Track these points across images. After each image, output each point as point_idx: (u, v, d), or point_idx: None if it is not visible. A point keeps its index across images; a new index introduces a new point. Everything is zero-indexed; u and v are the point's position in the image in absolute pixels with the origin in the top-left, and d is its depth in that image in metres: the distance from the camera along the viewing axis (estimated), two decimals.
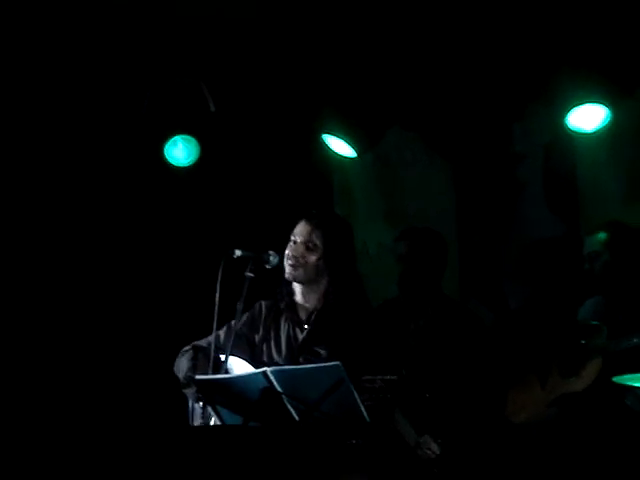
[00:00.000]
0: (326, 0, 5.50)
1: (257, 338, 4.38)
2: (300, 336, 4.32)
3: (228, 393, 3.93)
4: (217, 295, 4.10)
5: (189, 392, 4.16)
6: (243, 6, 5.51)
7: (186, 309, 5.94)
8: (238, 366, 4.20)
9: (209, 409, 4.00)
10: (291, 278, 4.31)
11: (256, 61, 6.05)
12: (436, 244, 5.25)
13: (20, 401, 5.89)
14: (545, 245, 6.03)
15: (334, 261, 4.30)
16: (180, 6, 5.53)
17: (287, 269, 4.29)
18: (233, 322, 4.28)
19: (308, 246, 4.29)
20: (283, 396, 3.78)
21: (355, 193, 6.64)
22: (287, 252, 4.30)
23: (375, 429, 3.88)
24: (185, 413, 4.27)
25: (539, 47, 5.59)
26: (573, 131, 5.61)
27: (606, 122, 5.51)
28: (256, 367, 4.10)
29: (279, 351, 4.33)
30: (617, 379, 4.26)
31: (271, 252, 4.29)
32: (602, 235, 5.08)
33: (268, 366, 3.98)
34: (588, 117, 5.52)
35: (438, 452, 4.40)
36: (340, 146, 6.07)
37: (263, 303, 4.47)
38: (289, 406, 3.81)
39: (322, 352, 4.20)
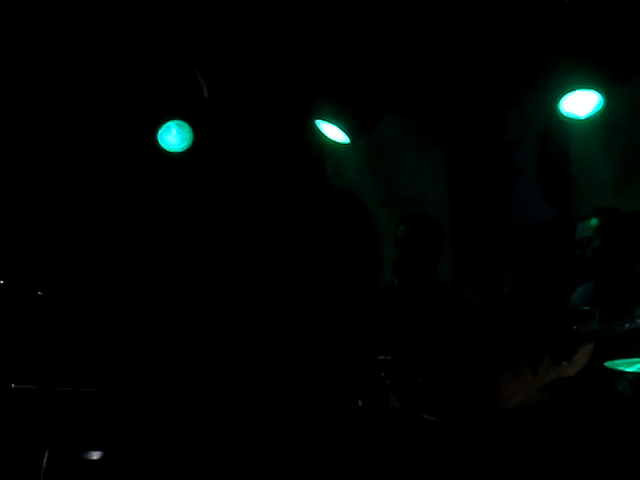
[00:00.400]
0: None
1: None
2: None
3: None
4: None
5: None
6: None
7: (179, 294, 5.94)
8: None
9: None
10: None
11: (249, 46, 6.04)
12: (434, 229, 5.32)
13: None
14: (537, 231, 6.04)
15: None
16: None
17: None
18: None
19: None
20: None
21: (348, 179, 6.63)
22: None
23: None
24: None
25: (533, 33, 5.59)
26: (566, 117, 5.61)
27: (599, 108, 5.51)
28: None
29: None
30: (609, 364, 4.29)
31: None
32: (594, 221, 5.09)
33: None
34: (581, 103, 5.52)
35: None
36: (333, 132, 6.06)
37: None
38: None
39: None
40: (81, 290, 6.33)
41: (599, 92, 5.44)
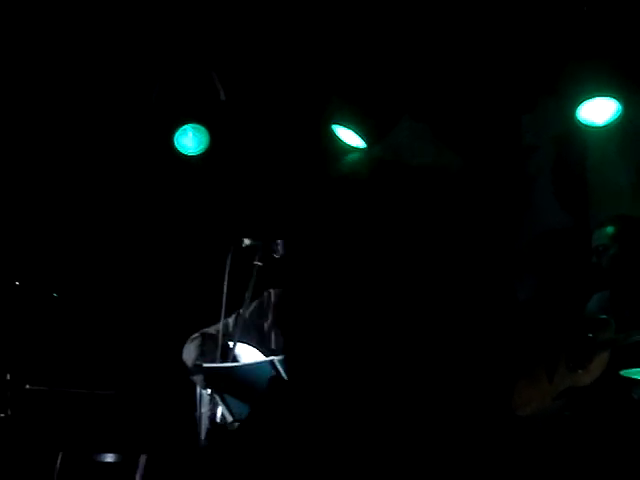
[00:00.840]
0: None
1: (266, 326, 4.39)
2: None
3: (236, 381, 3.94)
4: (225, 283, 4.12)
5: (197, 379, 4.17)
6: None
7: (195, 297, 5.94)
8: (247, 353, 4.21)
9: (216, 396, 4.01)
10: None
11: (266, 50, 6.05)
12: None
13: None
14: (553, 237, 6.02)
15: None
16: None
17: None
18: (241, 310, 4.30)
19: None
20: None
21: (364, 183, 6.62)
22: None
23: None
24: (193, 400, 4.28)
25: (551, 39, 5.58)
26: (584, 124, 5.59)
27: (617, 116, 5.50)
28: (265, 354, 4.12)
29: None
30: (625, 372, 4.27)
31: (279, 241, 4.30)
32: (610, 229, 5.08)
33: (277, 353, 3.99)
34: (599, 111, 5.50)
35: None
36: (349, 136, 6.06)
37: (272, 291, 4.48)
38: None
39: None
40: (96, 292, 6.34)
41: (617, 100, 5.43)
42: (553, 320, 5.10)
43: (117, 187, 6.40)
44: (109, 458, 5.33)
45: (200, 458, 4.07)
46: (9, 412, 5.30)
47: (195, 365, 4.16)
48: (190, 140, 6.26)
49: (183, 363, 4.34)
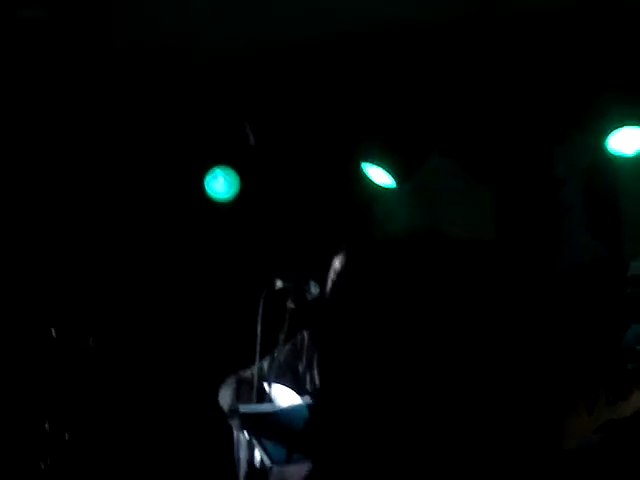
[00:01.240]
0: (360, 29, 5.52)
1: (301, 367, 4.38)
2: None
3: (272, 424, 3.93)
4: (259, 326, 4.12)
5: (234, 423, 4.17)
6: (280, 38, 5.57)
7: (230, 341, 5.95)
8: (283, 395, 4.20)
9: (254, 440, 4.00)
10: None
11: (294, 91, 6.09)
12: None
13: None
14: (587, 269, 5.98)
15: None
16: (218, 42, 5.59)
17: None
18: (276, 352, 4.30)
19: None
20: None
21: (395, 223, 6.61)
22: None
23: None
24: (230, 443, 4.28)
25: (578, 70, 5.58)
26: (613, 155, 5.57)
27: None
28: (301, 396, 4.11)
29: None
30: None
31: (312, 282, 4.30)
32: None
33: (313, 395, 3.98)
34: (628, 140, 5.49)
35: None
36: (380, 175, 6.07)
37: (305, 333, 4.48)
38: None
39: None
40: (133, 338, 6.37)
41: None
42: (592, 352, 5.06)
43: (151, 232, 6.45)
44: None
45: None
46: (48, 462, 5.32)
47: (231, 409, 4.16)
48: (221, 185, 6.30)
49: (220, 407, 4.34)
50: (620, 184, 5.94)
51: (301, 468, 3.93)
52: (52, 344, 5.70)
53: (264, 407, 4.05)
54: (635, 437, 4.65)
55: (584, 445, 4.75)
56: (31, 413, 5.79)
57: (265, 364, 4.33)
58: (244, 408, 4.03)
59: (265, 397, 4.13)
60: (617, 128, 5.42)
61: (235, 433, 4.24)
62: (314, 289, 4.31)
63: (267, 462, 4.00)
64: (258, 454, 4.05)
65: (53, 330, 5.69)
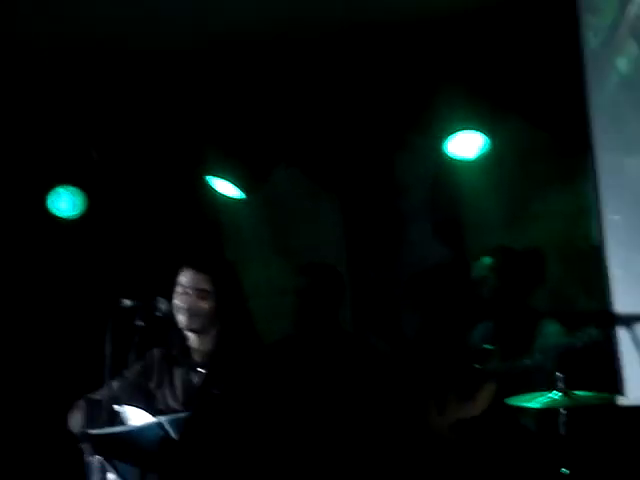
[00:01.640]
0: (202, 41, 5.52)
1: (152, 386, 4.34)
2: (196, 380, 4.30)
3: (125, 445, 3.88)
4: (108, 347, 4.05)
5: (85, 447, 4.09)
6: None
7: (77, 363, 5.84)
8: (134, 416, 4.15)
9: (106, 463, 3.94)
10: (187, 329, 4.29)
11: (136, 105, 6.03)
12: (335, 279, 5.24)
13: None
14: (432, 272, 6.10)
15: (226, 304, 4.29)
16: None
17: (181, 320, 4.27)
18: (126, 372, 4.24)
19: (199, 295, 4.27)
20: None
21: (246, 234, 6.61)
22: (177, 303, 4.27)
23: None
24: (82, 468, 4.19)
25: (415, 75, 5.68)
26: (454, 159, 5.70)
27: (485, 149, 5.62)
28: (153, 415, 4.06)
29: (175, 397, 4.29)
30: (511, 400, 4.33)
31: (160, 299, 4.26)
32: (487, 260, 5.18)
33: (166, 413, 3.95)
34: (467, 144, 5.62)
35: None
36: (226, 188, 6.06)
37: (155, 350, 4.43)
38: None
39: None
40: None
41: (482, 133, 5.56)
42: (439, 353, 5.16)
43: None
44: None
45: None
46: None
47: (82, 433, 4.08)
48: (65, 203, 6.19)
49: (70, 432, 4.25)
50: (461, 187, 6.06)
51: None
52: None
53: (115, 429, 3.98)
54: (485, 436, 4.77)
55: (437, 445, 4.84)
56: None
57: (115, 385, 4.27)
58: (95, 430, 3.96)
59: (117, 418, 4.07)
60: (454, 133, 5.56)
61: (86, 457, 4.16)
62: (163, 306, 4.27)
63: None
64: (111, 477, 3.99)
65: None
